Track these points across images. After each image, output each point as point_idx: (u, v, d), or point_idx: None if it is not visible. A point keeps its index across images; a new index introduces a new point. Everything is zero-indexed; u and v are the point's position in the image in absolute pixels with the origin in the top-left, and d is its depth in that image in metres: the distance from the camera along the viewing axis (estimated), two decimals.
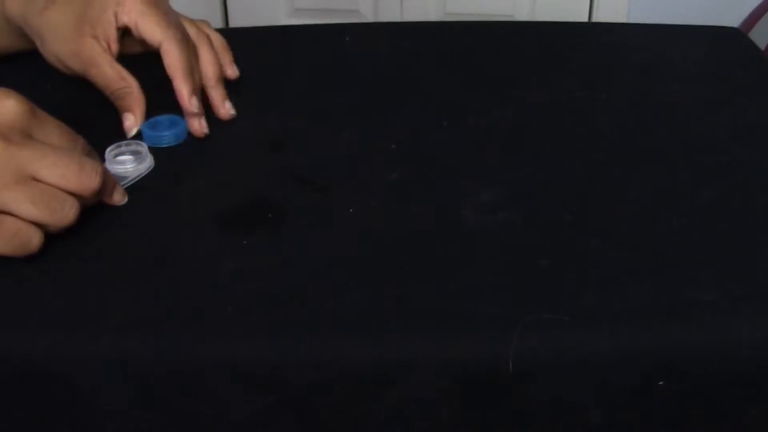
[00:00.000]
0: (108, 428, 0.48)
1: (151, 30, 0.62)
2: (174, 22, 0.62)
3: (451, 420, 0.47)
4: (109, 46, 0.62)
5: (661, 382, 0.46)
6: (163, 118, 0.64)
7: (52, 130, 0.52)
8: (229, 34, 0.74)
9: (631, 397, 0.47)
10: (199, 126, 0.63)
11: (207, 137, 0.64)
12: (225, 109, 0.66)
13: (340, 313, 0.48)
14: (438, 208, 0.56)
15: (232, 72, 0.70)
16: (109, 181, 0.55)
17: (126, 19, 0.62)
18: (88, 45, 0.62)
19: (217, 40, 0.70)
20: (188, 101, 0.62)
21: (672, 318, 0.47)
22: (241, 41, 0.75)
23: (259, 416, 0.47)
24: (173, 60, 0.62)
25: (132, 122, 0.62)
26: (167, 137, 0.63)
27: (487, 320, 0.47)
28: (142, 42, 0.63)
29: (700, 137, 0.65)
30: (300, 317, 0.47)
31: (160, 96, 0.64)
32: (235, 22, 2.08)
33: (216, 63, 0.66)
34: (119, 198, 0.56)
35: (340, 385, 0.46)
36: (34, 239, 0.50)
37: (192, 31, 0.65)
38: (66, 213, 0.51)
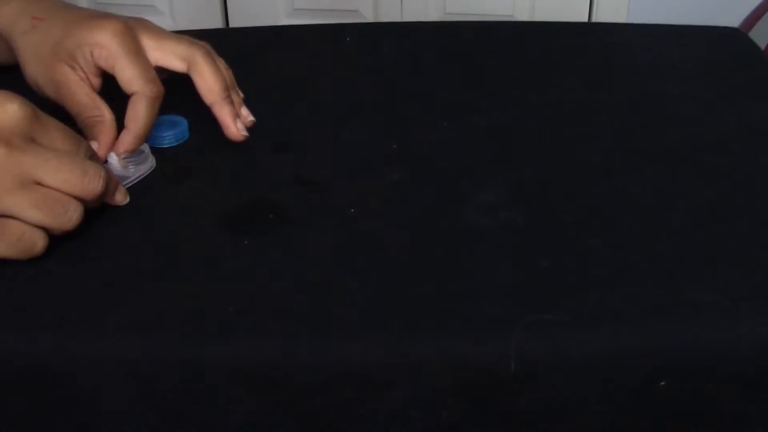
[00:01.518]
0: (109, 428, 0.48)
1: (126, 79, 0.60)
2: (150, 75, 0.60)
3: (452, 420, 0.47)
4: (87, 79, 0.61)
5: (663, 382, 0.46)
6: (165, 118, 0.64)
7: (56, 134, 0.52)
8: (229, 34, 0.74)
9: (632, 397, 0.47)
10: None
11: (209, 138, 0.64)
12: (236, 128, 0.64)
13: (340, 313, 0.48)
14: (438, 208, 0.56)
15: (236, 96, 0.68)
16: (111, 181, 0.55)
17: (103, 63, 0.60)
18: (63, 71, 0.60)
19: (220, 63, 0.67)
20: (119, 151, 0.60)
21: (672, 318, 0.47)
22: (241, 41, 0.76)
23: (259, 416, 0.47)
24: (138, 116, 0.60)
25: (96, 149, 0.59)
26: (168, 137, 0.63)
27: (487, 320, 0.47)
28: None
29: (700, 137, 0.65)
30: (300, 317, 0.47)
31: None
32: (235, 22, 2.08)
33: (222, 78, 0.63)
34: (121, 198, 0.56)
35: (340, 386, 0.46)
36: (39, 243, 0.50)
37: (197, 53, 0.63)
38: (70, 216, 0.51)
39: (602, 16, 1.97)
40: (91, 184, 0.51)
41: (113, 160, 0.59)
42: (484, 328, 0.47)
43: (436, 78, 0.74)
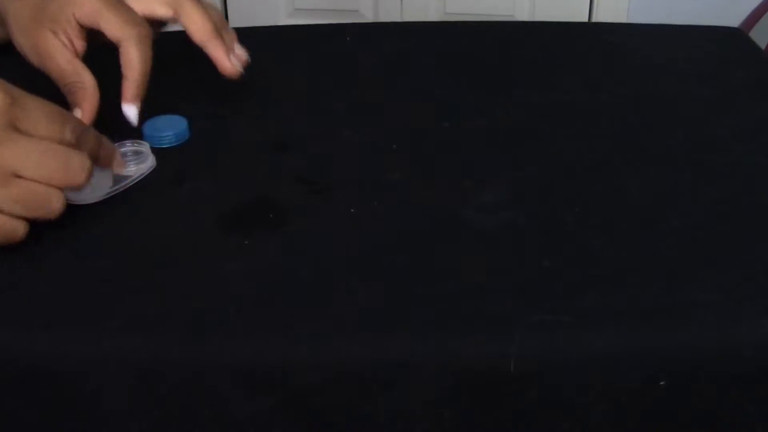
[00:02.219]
0: (109, 428, 0.48)
1: (112, 29, 0.59)
2: (135, 19, 0.60)
3: (453, 420, 0.47)
4: (71, 43, 0.60)
5: (663, 383, 0.46)
6: (165, 118, 0.64)
7: (39, 117, 0.50)
8: None
9: (632, 397, 0.47)
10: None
11: (209, 138, 0.64)
12: (230, 63, 0.63)
13: (341, 313, 0.48)
14: (438, 208, 0.56)
15: (241, 53, 0.67)
16: (104, 148, 0.54)
17: (86, 20, 0.60)
18: (45, 37, 0.60)
19: (208, 7, 0.67)
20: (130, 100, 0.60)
21: (673, 318, 0.47)
22: (241, 41, 0.75)
23: (259, 416, 0.47)
24: (132, 61, 0.59)
25: (80, 116, 0.59)
26: (168, 137, 0.63)
27: (487, 320, 0.47)
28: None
29: (701, 137, 0.65)
30: (300, 317, 0.47)
31: (161, 96, 0.64)
32: (235, 22, 2.09)
33: (210, 18, 0.62)
34: (120, 168, 0.56)
35: (341, 386, 0.46)
36: (19, 230, 0.50)
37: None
38: (52, 207, 0.50)
39: (602, 16, 1.98)
40: (73, 177, 0.50)
41: (129, 113, 0.59)
42: (484, 328, 0.47)
43: (436, 78, 0.74)
